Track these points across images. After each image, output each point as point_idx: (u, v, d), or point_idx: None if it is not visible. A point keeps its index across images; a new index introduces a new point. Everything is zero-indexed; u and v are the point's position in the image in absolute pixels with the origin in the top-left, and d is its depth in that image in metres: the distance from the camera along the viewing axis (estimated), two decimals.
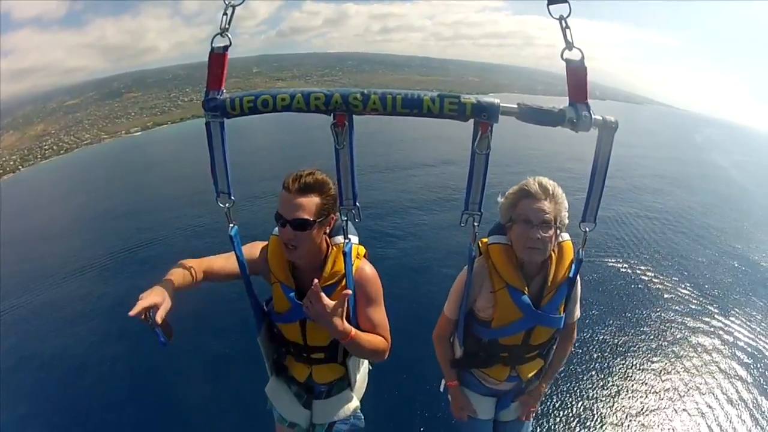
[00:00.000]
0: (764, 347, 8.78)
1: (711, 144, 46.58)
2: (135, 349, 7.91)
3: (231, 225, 2.33)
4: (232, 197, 2.23)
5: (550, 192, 2.47)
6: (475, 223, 2.17)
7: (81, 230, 17.65)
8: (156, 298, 1.93)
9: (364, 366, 3.14)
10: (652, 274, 11.27)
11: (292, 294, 2.52)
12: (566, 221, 2.56)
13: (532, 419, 3.27)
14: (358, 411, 3.03)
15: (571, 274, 2.66)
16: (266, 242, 2.63)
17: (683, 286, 11.03)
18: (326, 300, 2.24)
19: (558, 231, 2.52)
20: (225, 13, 1.97)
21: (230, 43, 2.01)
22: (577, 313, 2.90)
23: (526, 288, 2.64)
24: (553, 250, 2.62)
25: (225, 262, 2.51)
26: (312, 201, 2.31)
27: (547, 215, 2.43)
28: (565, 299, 2.70)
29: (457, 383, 3.11)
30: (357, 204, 2.18)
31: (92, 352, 8.32)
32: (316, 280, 2.24)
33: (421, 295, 9.11)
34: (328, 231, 2.51)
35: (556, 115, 1.86)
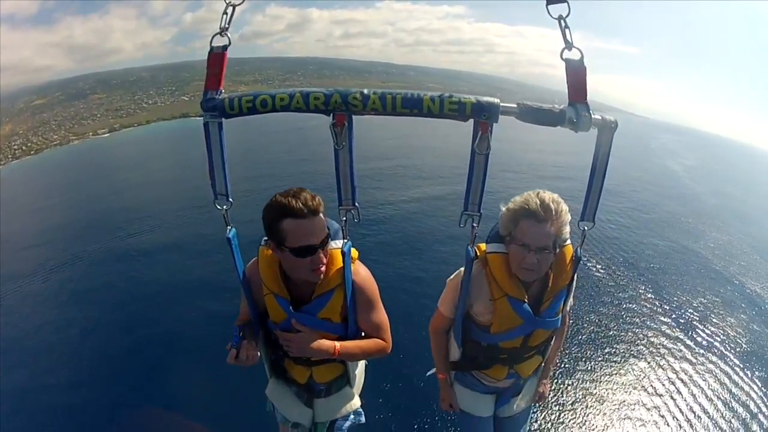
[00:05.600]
0: (694, 334, 9.50)
1: (665, 150, 47.87)
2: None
3: (229, 227, 2.23)
4: (231, 199, 2.12)
5: (553, 212, 2.27)
6: (474, 224, 2.10)
7: (72, 225, 17.85)
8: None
9: (362, 362, 3.06)
10: (601, 266, 11.79)
11: (288, 306, 2.41)
12: (567, 237, 2.43)
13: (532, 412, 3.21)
14: (359, 407, 2.97)
15: (570, 278, 2.57)
16: (254, 262, 2.53)
17: (629, 274, 11.69)
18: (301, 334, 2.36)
19: (557, 251, 2.39)
20: (225, 12, 1.90)
21: (229, 42, 1.93)
22: (571, 302, 2.78)
23: (526, 296, 2.53)
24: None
25: (244, 306, 2.58)
26: (321, 219, 2.19)
27: (546, 241, 2.29)
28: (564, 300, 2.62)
29: (446, 376, 3.02)
30: (356, 204, 2.13)
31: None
32: (294, 320, 2.36)
33: (417, 287, 9.30)
34: None
35: (556, 114, 1.83)
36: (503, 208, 2.47)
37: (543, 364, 2.96)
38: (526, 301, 2.52)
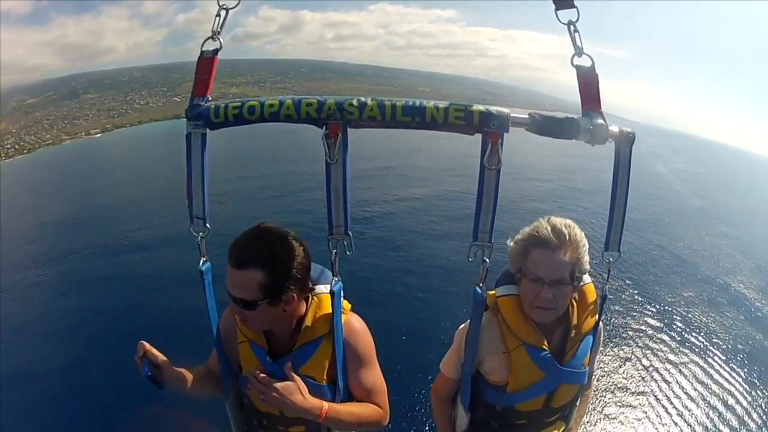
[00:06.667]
0: (674, 325, 9.84)
1: (653, 154, 48.34)
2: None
3: (203, 259, 1.95)
4: (208, 224, 1.88)
5: (567, 238, 1.99)
6: (485, 258, 1.83)
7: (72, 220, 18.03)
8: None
9: None
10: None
11: (265, 355, 2.04)
12: (587, 267, 2.09)
13: None
14: None
15: (596, 321, 2.24)
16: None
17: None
18: (279, 382, 1.91)
19: (576, 284, 2.07)
20: (218, 15, 1.76)
21: (221, 46, 1.79)
22: (597, 355, 2.44)
23: (546, 343, 2.17)
24: (573, 298, 2.17)
25: (213, 359, 2.22)
26: (251, 278, 1.80)
27: (562, 271, 1.99)
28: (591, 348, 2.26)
29: None
30: (349, 233, 1.84)
31: None
32: (260, 374, 1.95)
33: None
34: (289, 308, 1.94)
35: (571, 125, 1.68)
36: (510, 243, 2.18)
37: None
38: (547, 348, 2.17)
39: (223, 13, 1.78)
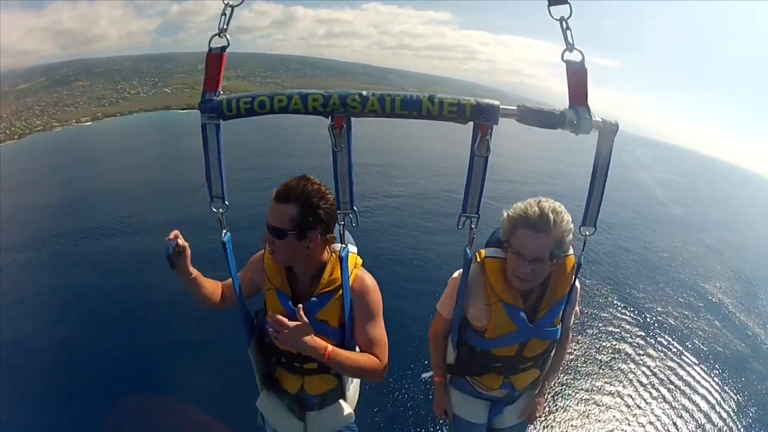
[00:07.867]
0: (653, 337, 9.90)
1: (639, 164, 48.75)
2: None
3: (224, 231, 2.24)
4: (227, 202, 2.12)
5: (551, 223, 2.26)
6: (473, 226, 2.07)
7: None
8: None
9: None
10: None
11: (288, 300, 2.44)
12: (568, 248, 2.41)
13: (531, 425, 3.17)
14: (352, 422, 2.89)
15: (570, 287, 2.54)
16: (262, 252, 2.58)
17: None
18: (291, 323, 2.22)
19: (555, 261, 2.37)
20: (224, 13, 1.88)
21: (228, 43, 1.91)
22: (574, 315, 2.79)
23: (522, 303, 2.52)
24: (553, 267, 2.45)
25: (227, 285, 2.66)
26: (287, 211, 2.22)
27: (542, 251, 2.28)
28: (563, 310, 2.58)
29: (442, 379, 3.02)
30: (354, 208, 2.09)
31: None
32: (276, 316, 2.24)
33: (415, 299, 9.30)
34: (312, 246, 2.35)
35: (556, 117, 1.81)
36: (504, 214, 2.46)
37: (541, 378, 2.94)
38: (522, 307, 2.51)
39: (228, 11, 1.89)
